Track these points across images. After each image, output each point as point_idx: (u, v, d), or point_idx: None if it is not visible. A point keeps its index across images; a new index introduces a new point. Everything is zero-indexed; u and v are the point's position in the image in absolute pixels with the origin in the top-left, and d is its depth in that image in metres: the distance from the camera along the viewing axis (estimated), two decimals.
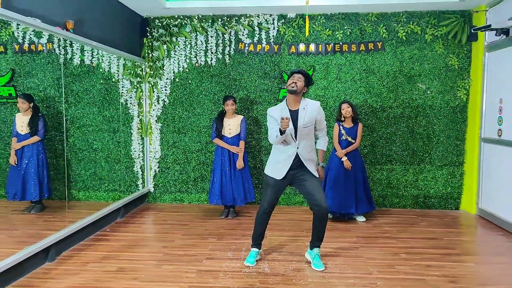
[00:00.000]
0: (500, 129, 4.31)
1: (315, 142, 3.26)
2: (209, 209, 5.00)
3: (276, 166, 3.14)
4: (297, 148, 3.07)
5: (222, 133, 4.54)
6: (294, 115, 3.07)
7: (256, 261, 3.29)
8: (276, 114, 3.09)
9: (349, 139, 4.38)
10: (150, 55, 5.21)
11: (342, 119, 4.41)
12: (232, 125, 4.54)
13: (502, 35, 4.08)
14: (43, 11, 3.31)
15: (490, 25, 3.96)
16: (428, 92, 4.98)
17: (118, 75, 4.85)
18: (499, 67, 4.37)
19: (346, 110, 4.33)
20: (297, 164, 3.09)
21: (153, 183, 5.40)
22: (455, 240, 3.85)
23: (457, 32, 4.81)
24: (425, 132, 5.02)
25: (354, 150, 4.40)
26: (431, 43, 4.93)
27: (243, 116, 4.62)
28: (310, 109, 3.08)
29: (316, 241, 3.22)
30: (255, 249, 3.31)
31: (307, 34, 4.05)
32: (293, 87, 3.02)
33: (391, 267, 3.18)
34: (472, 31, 4.38)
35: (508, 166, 4.11)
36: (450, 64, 4.91)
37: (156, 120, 5.33)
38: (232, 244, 3.72)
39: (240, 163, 4.49)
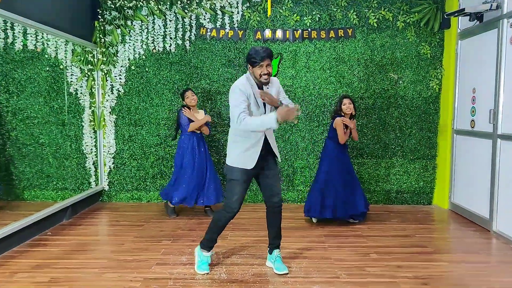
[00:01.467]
0: (473, 120, 4.12)
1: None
2: None
3: (245, 154, 2.67)
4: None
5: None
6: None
7: (210, 265, 2.92)
8: (248, 92, 2.61)
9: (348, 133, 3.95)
10: (103, 40, 4.74)
11: (342, 114, 3.90)
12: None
13: (475, 20, 3.88)
14: None
15: (463, 9, 3.75)
16: (400, 82, 4.76)
17: (66, 62, 4.38)
18: (472, 55, 4.18)
19: (348, 106, 3.83)
20: (266, 149, 2.72)
21: (107, 181, 4.93)
22: (427, 237, 3.62)
23: (429, 19, 4.60)
24: (397, 124, 4.80)
25: (346, 148, 4.03)
26: (403, 31, 4.70)
27: (203, 110, 4.36)
28: (275, 85, 2.77)
29: (276, 240, 2.91)
30: (207, 253, 2.93)
31: (269, 13, 3.71)
32: (266, 79, 2.60)
33: (361, 269, 2.90)
34: (445, 16, 4.16)
35: (481, 158, 3.93)
36: (422, 52, 4.70)
37: (110, 112, 4.87)
38: (188, 247, 3.35)
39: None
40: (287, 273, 2.81)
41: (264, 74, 2.57)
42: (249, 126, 2.52)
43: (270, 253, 2.93)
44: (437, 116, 4.77)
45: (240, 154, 2.69)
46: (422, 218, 4.27)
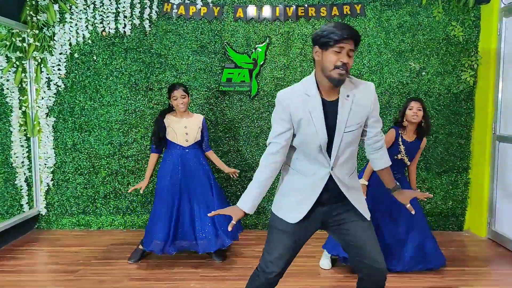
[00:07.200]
0: None
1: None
2: (125, 238, 3.55)
3: (291, 199, 1.75)
4: (332, 168, 1.69)
5: (174, 141, 2.99)
6: (331, 109, 1.66)
7: None
8: (293, 107, 1.66)
9: (406, 160, 2.81)
10: (35, 19, 3.66)
11: (405, 124, 2.79)
12: (190, 128, 3.01)
13: None
14: None
15: None
16: (423, 73, 3.74)
17: None
18: None
19: (417, 111, 2.72)
20: (334, 195, 1.72)
21: (45, 202, 3.85)
22: None
23: None
24: None
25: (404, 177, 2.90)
26: (428, 7, 3.69)
27: (203, 116, 3.11)
28: (360, 96, 1.68)
29: None
30: None
31: None
32: (341, 73, 1.56)
33: None
34: None
35: None
36: (452, 35, 3.69)
37: (47, 113, 3.79)
38: None
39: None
40: None
41: (341, 66, 1.55)
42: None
43: None
44: (471, 117, 3.75)
45: (285, 199, 1.77)
46: (459, 254, 3.22)
